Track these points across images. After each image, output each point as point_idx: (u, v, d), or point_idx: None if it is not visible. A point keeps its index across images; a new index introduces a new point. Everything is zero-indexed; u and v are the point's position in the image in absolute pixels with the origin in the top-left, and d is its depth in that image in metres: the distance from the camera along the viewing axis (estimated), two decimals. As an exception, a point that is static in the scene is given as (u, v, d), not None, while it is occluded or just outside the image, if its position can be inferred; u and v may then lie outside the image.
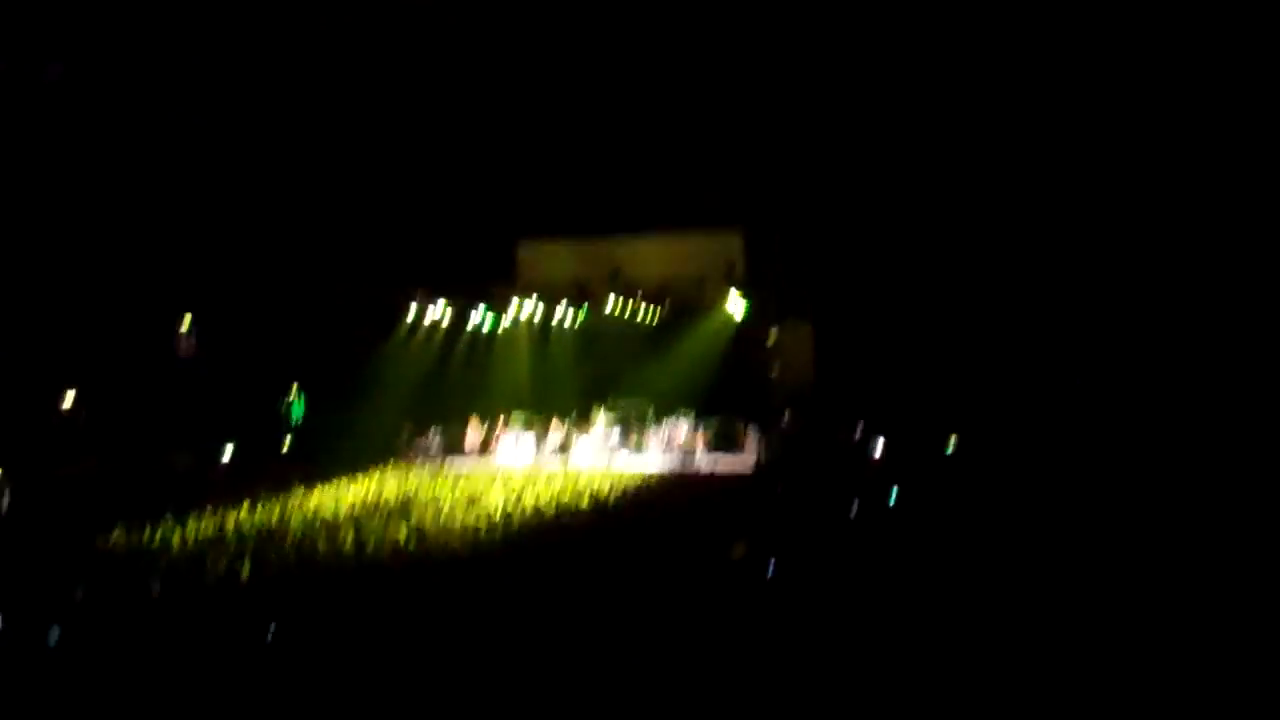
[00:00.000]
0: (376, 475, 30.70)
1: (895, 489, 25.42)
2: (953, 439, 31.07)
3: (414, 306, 34.95)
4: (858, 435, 32.13)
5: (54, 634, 14.61)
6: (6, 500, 24.69)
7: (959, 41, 29.77)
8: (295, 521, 23.47)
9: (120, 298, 28.06)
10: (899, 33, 29.67)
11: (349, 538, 21.25)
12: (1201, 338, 31.67)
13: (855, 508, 23.73)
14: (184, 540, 21.68)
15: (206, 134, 28.57)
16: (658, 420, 34.88)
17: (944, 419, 32.37)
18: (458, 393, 36.54)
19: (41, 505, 24.65)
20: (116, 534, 22.14)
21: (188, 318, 30.14)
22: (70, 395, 27.62)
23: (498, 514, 23.84)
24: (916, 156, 33.46)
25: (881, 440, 31.52)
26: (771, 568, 18.12)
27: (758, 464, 31.80)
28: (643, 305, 38.19)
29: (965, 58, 30.15)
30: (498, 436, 35.44)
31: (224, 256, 30.07)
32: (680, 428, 34.08)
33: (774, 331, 37.00)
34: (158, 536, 22.04)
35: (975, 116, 31.91)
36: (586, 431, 34.81)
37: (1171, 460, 27.38)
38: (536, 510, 24.51)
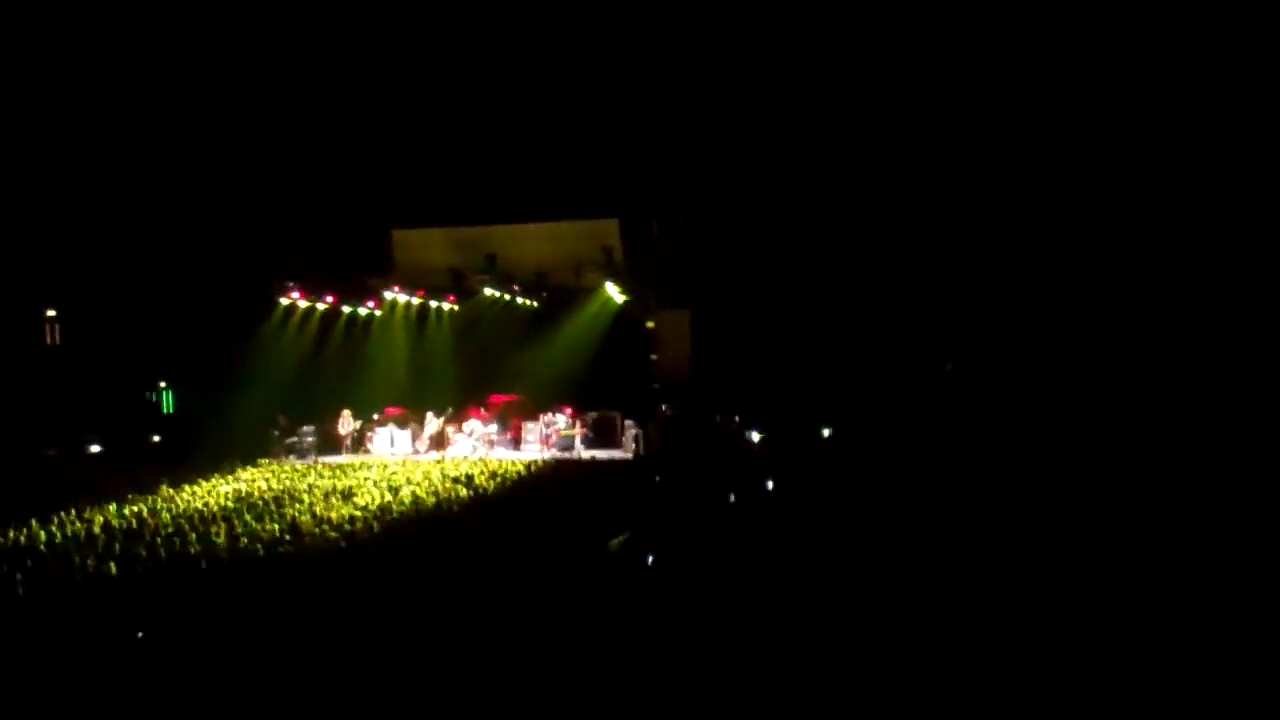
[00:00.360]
0: (248, 470, 30.22)
1: (771, 476, 25.67)
2: (826, 428, 31.45)
3: (286, 297, 34.40)
4: (734, 423, 32.37)
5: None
6: None
7: (831, 34, 30.02)
8: (165, 518, 23.00)
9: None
10: (772, 23, 29.83)
11: (221, 534, 20.87)
12: (1071, 321, 32.38)
13: (732, 495, 23.92)
14: (50, 538, 21.14)
15: (67, 124, 27.84)
16: (535, 412, 34.77)
17: (819, 406, 32.75)
18: (332, 385, 36.07)
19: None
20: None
21: (52, 311, 29.39)
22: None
23: (372, 508, 23.58)
24: (795, 146, 33.69)
25: (757, 428, 31.80)
26: (650, 558, 18.18)
27: (635, 455, 31.89)
28: (520, 293, 38.04)
29: (836, 48, 30.42)
30: (373, 429, 35.09)
31: (89, 247, 29.38)
32: (558, 420, 34.01)
33: (652, 320, 37.10)
34: (23, 534, 21.47)
35: (849, 106, 32.21)
36: (463, 423, 34.59)
37: (1039, 443, 28.03)
38: (412, 503, 24.30)
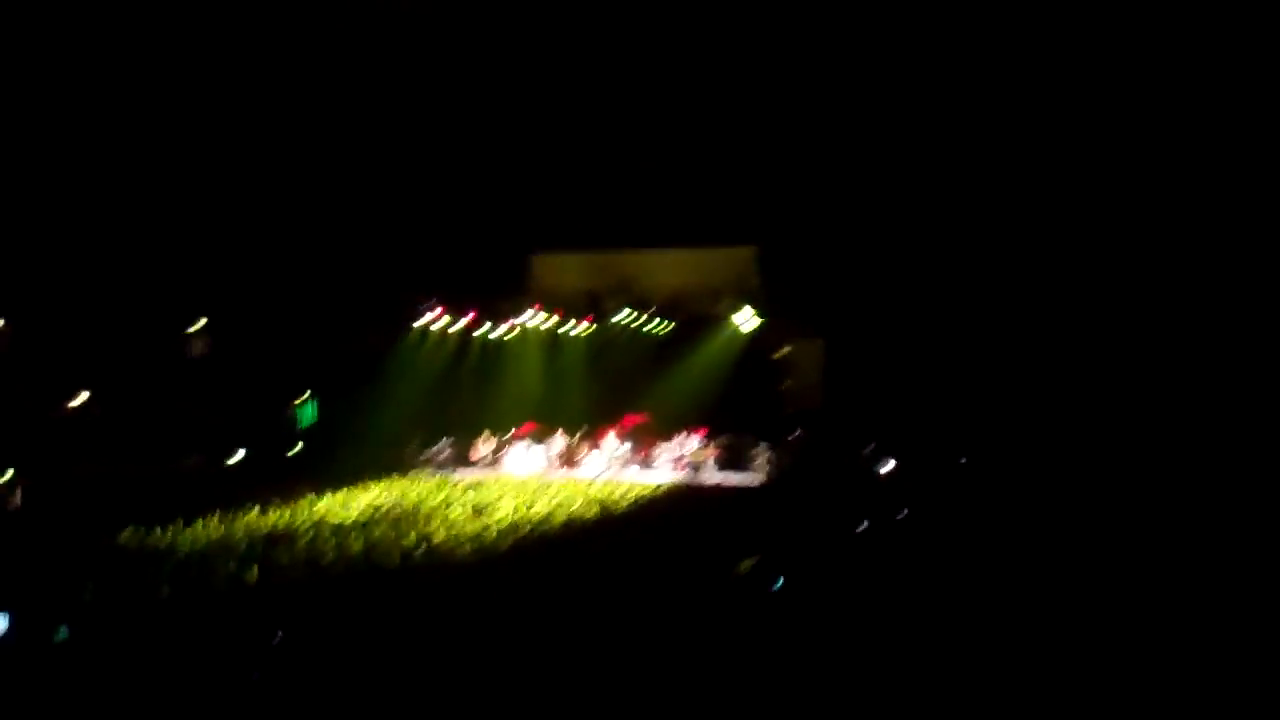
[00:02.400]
0: (385, 483, 30.74)
1: (903, 505, 25.42)
2: (961, 457, 31.05)
3: (425, 315, 35.02)
4: (867, 451, 32.11)
5: (62, 632, 14.65)
6: (19, 499, 24.84)
7: (969, 66, 29.78)
8: (303, 527, 23.50)
9: (132, 301, 28.14)
10: (911, 54, 29.69)
11: (357, 544, 21.27)
12: (1204, 360, 31.63)
13: (863, 523, 23.72)
14: (193, 542, 21.74)
15: (218, 139, 28.66)
16: (667, 434, 34.84)
17: (953, 436, 32.36)
18: (467, 402, 36.61)
19: (53, 505, 24.75)
20: (126, 534, 22.21)
21: (200, 322, 30.19)
22: (82, 397, 27.68)
23: (505, 522, 23.86)
24: (930, 173, 33.45)
25: (890, 457, 31.51)
26: (778, 582, 18.11)
27: (766, 480, 31.81)
28: (654, 318, 38.20)
29: (975, 81, 30.16)
30: (507, 446, 35.45)
31: (236, 261, 30.16)
32: (690, 442, 34.05)
33: (786, 347, 36.98)
34: (167, 538, 22.11)
35: (985, 135, 31.91)
36: (596, 443, 34.81)
37: (1174, 475, 27.39)
38: (544, 519, 24.54)
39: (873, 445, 32.13)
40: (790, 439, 33.77)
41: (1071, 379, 33.43)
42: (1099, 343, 33.31)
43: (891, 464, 31.40)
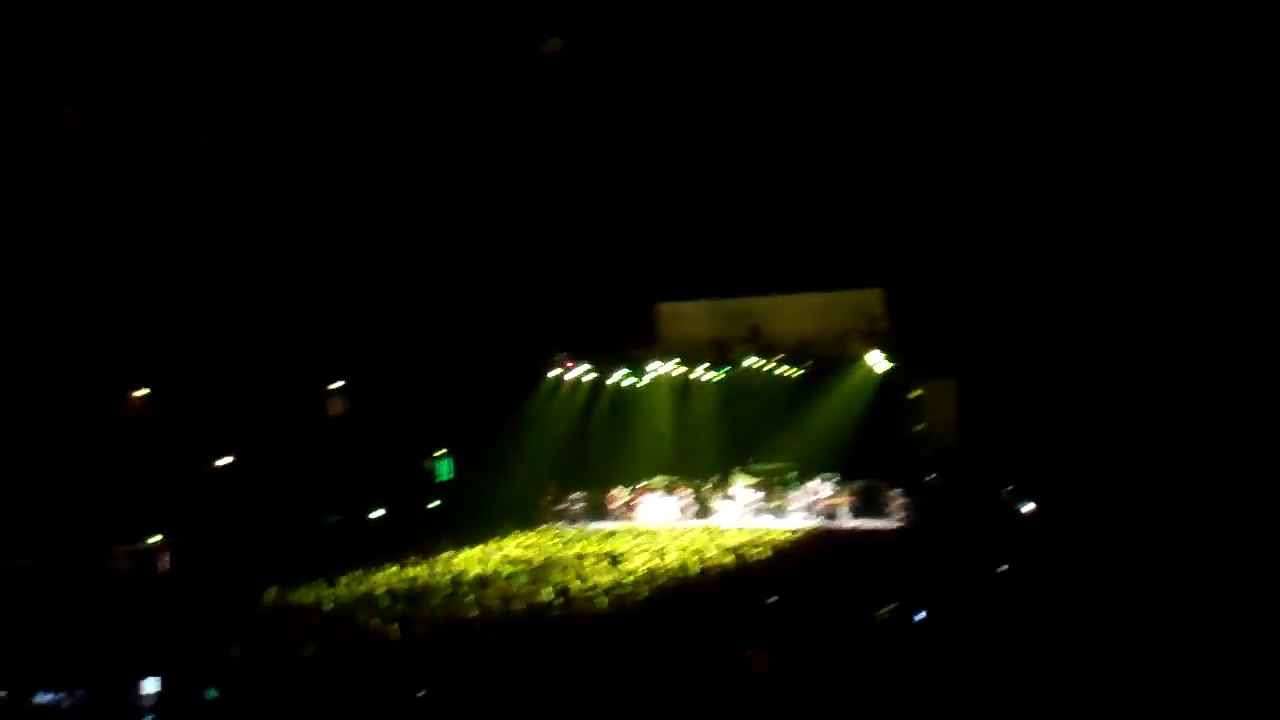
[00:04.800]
0: (521, 535, 31.01)
1: (1044, 547, 24.94)
2: (1101, 499, 30.30)
3: (556, 368, 35.37)
4: (1005, 493, 31.56)
5: (211, 692, 14.95)
6: (167, 562, 25.48)
7: (1099, 106, 29.31)
8: (442, 581, 23.76)
9: (271, 364, 28.76)
10: (1037, 95, 29.32)
11: (495, 597, 21.44)
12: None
13: (1003, 566, 23.30)
14: (335, 599, 22.09)
15: (354, 207, 29.26)
16: (799, 481, 34.60)
17: (1095, 476, 31.61)
18: (599, 453, 36.80)
19: (198, 567, 25.33)
20: (270, 594, 22.64)
21: (338, 384, 30.77)
22: (224, 460, 28.30)
23: (640, 572, 23.88)
24: (1059, 211, 32.92)
25: (1029, 497, 30.93)
26: (917, 618, 17.88)
27: (902, 525, 31.43)
28: (783, 363, 38.07)
29: (1103, 122, 29.68)
30: (639, 497, 35.51)
31: (371, 321, 30.72)
32: (823, 489, 33.75)
33: (918, 388, 36.55)
34: (310, 596, 22.50)
35: (1116, 171, 31.35)
36: (728, 491, 34.71)
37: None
38: (679, 569, 24.52)
39: (1011, 487, 31.57)
40: (926, 482, 33.32)
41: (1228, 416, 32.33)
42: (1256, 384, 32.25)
43: (1031, 505, 30.83)
